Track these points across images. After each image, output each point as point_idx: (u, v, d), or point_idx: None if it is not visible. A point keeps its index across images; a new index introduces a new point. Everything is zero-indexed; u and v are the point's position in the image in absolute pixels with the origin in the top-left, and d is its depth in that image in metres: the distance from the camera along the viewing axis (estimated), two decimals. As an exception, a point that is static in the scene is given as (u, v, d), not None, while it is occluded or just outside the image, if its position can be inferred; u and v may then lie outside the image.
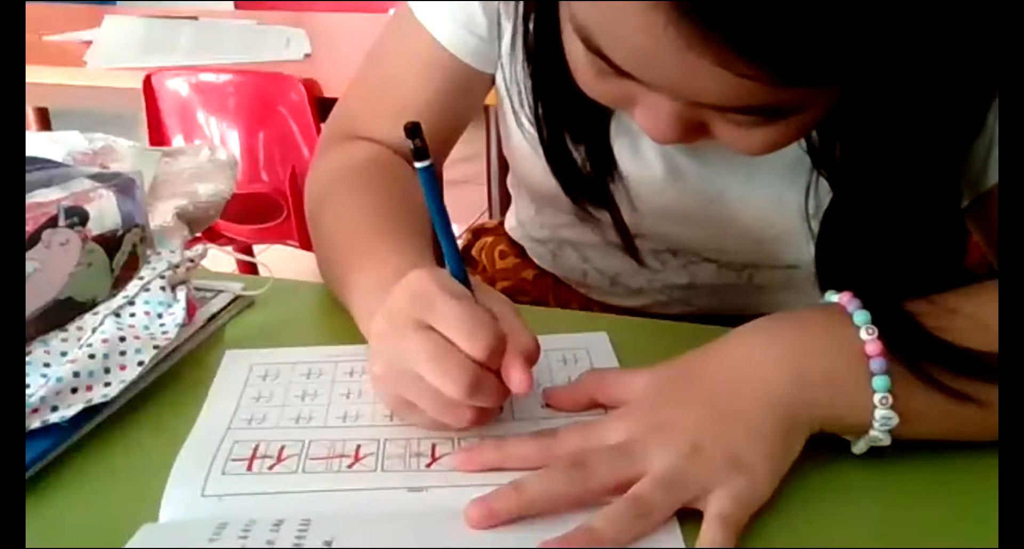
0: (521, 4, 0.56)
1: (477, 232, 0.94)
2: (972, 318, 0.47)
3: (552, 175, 0.63)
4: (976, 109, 0.47)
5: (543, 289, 0.85)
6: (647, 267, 0.75)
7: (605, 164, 0.61)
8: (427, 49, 0.67)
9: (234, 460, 0.48)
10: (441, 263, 0.52)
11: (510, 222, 0.89)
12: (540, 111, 0.59)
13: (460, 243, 0.94)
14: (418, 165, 0.48)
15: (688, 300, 0.77)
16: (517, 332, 0.48)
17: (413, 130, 0.47)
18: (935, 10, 0.39)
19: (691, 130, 0.48)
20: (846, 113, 0.48)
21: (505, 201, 1.99)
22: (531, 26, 0.56)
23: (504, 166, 1.90)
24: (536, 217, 0.81)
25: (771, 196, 0.64)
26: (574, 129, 0.59)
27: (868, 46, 0.39)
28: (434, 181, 0.49)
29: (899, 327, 0.47)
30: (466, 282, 0.49)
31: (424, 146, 0.47)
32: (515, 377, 0.46)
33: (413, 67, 0.68)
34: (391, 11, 2.39)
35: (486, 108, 1.62)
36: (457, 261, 0.50)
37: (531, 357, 0.48)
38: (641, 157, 0.64)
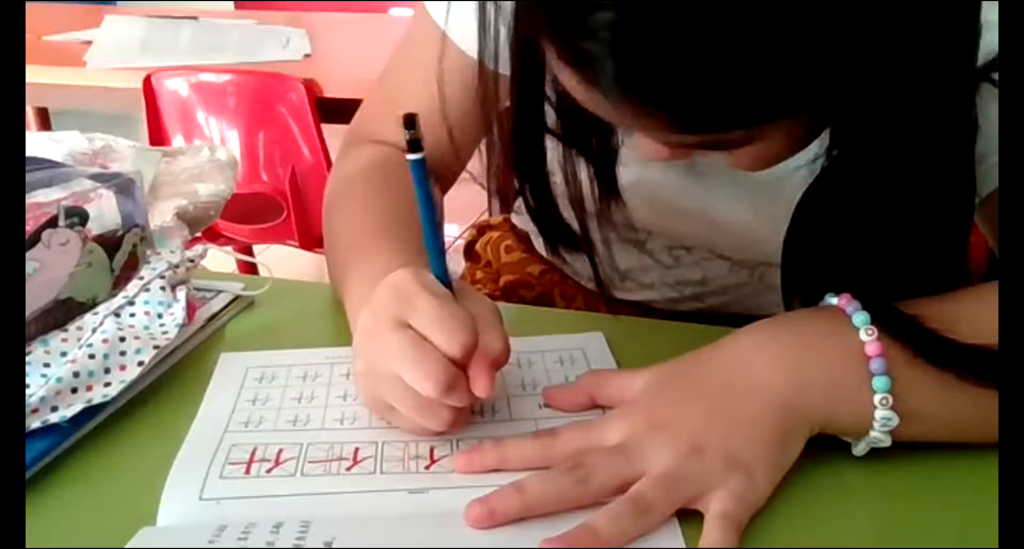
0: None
1: (482, 228, 0.94)
2: (974, 321, 0.47)
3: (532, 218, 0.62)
4: (945, 108, 0.47)
5: (549, 284, 0.84)
6: (659, 263, 0.75)
7: (609, 178, 0.60)
8: (444, 55, 0.66)
9: (232, 464, 0.48)
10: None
11: (518, 214, 0.89)
12: (522, 162, 0.59)
13: (464, 239, 0.94)
14: (410, 157, 0.47)
15: (699, 297, 0.77)
16: (489, 335, 0.48)
17: (410, 121, 0.46)
18: (830, 51, 0.39)
19: (680, 149, 0.48)
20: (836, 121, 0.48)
21: (505, 198, 1.99)
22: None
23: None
24: None
25: (782, 193, 0.64)
26: (579, 144, 0.58)
27: (759, 98, 0.39)
28: (424, 175, 0.48)
29: (900, 329, 0.47)
30: (447, 282, 0.49)
31: (419, 138, 0.47)
32: (479, 381, 0.46)
33: (429, 73, 0.68)
34: (390, 11, 2.36)
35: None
36: (440, 261, 0.50)
37: (497, 359, 0.48)
38: None
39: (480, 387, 0.46)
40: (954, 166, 0.49)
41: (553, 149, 0.58)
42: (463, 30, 0.65)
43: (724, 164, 0.49)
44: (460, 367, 0.46)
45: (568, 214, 0.61)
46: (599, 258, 0.62)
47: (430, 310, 0.46)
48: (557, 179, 0.59)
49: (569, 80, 0.42)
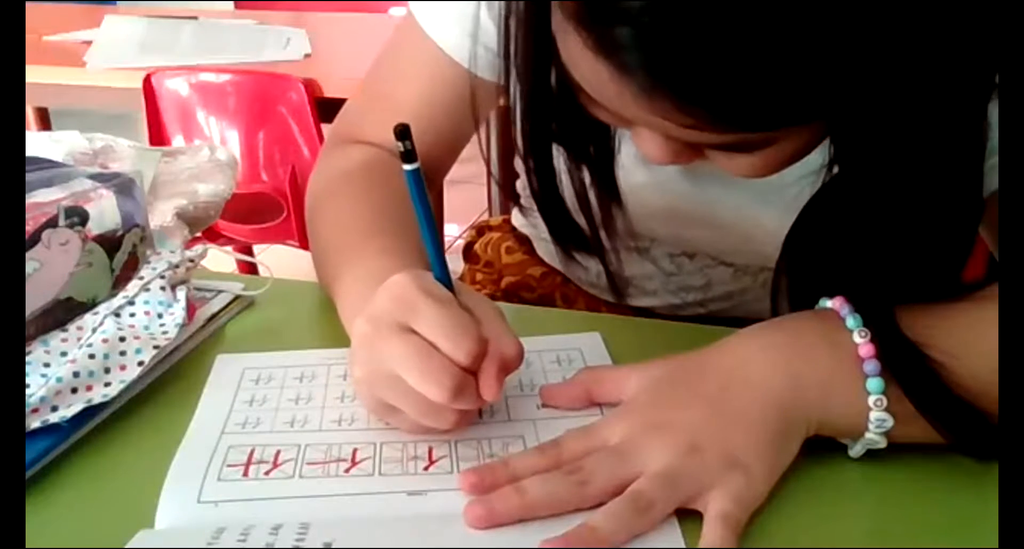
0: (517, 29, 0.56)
1: (481, 229, 0.94)
2: (971, 331, 0.48)
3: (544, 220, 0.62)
4: (965, 118, 0.47)
5: (550, 287, 0.84)
6: (662, 270, 0.75)
7: (609, 183, 0.60)
8: (432, 56, 0.66)
9: (230, 466, 0.48)
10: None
11: (519, 219, 0.88)
12: (531, 163, 0.58)
13: (464, 240, 0.94)
14: (406, 168, 0.47)
15: (702, 303, 0.77)
16: (499, 337, 0.48)
17: (403, 132, 0.46)
18: (863, 54, 0.39)
19: (684, 153, 0.48)
20: (841, 132, 0.48)
21: (505, 200, 1.99)
22: (528, 53, 0.55)
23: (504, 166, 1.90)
24: None
25: (787, 200, 0.64)
26: (577, 149, 0.58)
27: (798, 93, 0.39)
28: (421, 184, 0.48)
29: (893, 337, 0.47)
30: (449, 285, 0.49)
31: (413, 149, 0.47)
32: (486, 386, 0.46)
33: (418, 73, 0.68)
34: (390, 11, 2.36)
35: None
36: (441, 265, 0.50)
37: (510, 363, 0.48)
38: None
39: (489, 392, 0.46)
40: (963, 176, 0.49)
41: (559, 151, 0.58)
42: (448, 32, 0.65)
43: (721, 171, 0.49)
44: (467, 371, 0.46)
45: (577, 217, 0.60)
46: (609, 259, 0.62)
47: (435, 316, 0.46)
48: (564, 180, 0.59)
49: (594, 72, 0.42)
